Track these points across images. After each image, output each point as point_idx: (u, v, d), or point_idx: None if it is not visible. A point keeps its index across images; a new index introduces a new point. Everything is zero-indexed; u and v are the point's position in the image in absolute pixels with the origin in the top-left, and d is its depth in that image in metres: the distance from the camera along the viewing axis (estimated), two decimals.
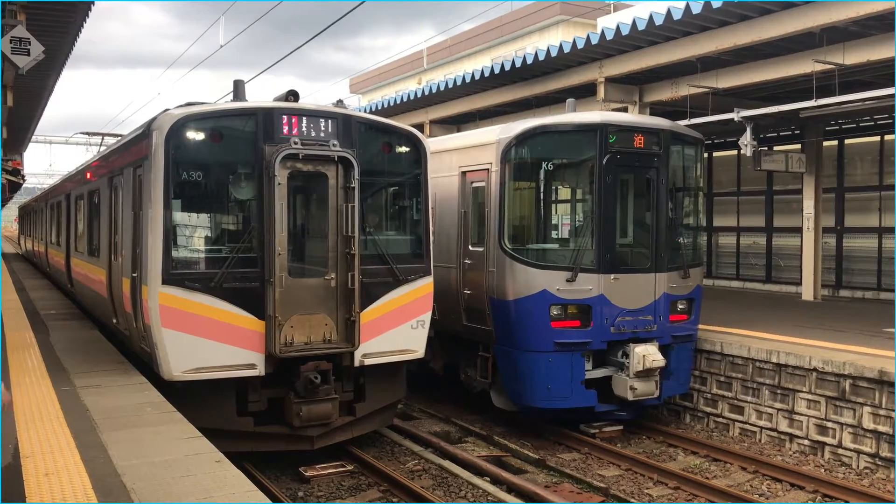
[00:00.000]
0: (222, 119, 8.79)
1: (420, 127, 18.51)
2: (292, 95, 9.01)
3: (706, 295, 12.19)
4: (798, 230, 18.34)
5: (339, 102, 9.84)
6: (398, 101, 20.48)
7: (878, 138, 18.28)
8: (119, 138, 12.70)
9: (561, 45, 14.35)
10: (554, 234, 12.98)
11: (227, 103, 9.50)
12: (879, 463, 9.31)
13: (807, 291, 17.64)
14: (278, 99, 9.17)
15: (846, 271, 19.01)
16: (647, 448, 10.59)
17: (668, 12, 12.20)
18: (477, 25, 43.83)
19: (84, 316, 14.13)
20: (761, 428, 10.78)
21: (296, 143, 8.68)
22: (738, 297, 18.53)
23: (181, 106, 8.94)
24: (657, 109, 15.75)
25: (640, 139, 10.75)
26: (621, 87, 15.12)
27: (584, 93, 15.19)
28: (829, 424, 9.88)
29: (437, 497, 8.21)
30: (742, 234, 21.76)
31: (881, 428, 9.28)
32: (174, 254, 8.39)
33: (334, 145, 8.90)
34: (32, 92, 17.40)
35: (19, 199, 49.71)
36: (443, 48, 46.40)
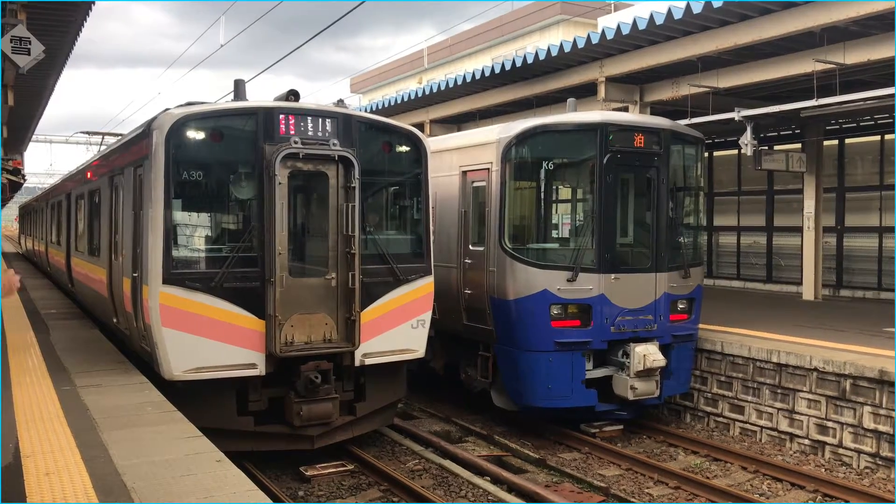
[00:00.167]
0: (223, 118, 8.78)
1: (420, 126, 18.50)
2: (293, 95, 9.01)
3: (707, 295, 12.18)
4: (798, 230, 18.34)
5: (340, 102, 9.83)
6: (399, 101, 20.47)
7: (878, 138, 18.27)
8: (119, 138, 12.69)
9: (561, 44, 14.34)
10: (554, 234, 12.98)
11: (227, 103, 9.50)
12: (880, 462, 9.31)
13: (807, 291, 17.64)
14: (279, 98, 9.16)
15: (847, 271, 19.01)
16: (648, 448, 10.59)
17: (669, 12, 12.19)
18: (477, 25, 43.84)
19: (84, 315, 14.13)
20: (762, 427, 10.78)
21: (296, 143, 8.67)
22: (738, 297, 18.52)
23: (181, 105, 8.94)
24: (658, 109, 15.74)
25: (640, 139, 10.75)
26: (622, 87, 15.11)
27: (585, 92, 15.17)
28: (830, 424, 9.88)
29: (437, 497, 8.21)
30: (742, 233, 21.76)
31: (882, 427, 9.28)
32: (175, 253, 8.39)
33: (335, 145, 8.90)
34: (33, 91, 17.41)
35: (20, 198, 49.70)
36: (443, 48, 46.39)
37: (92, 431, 6.45)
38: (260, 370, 8.56)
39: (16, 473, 5.35)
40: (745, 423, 10.99)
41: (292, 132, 8.73)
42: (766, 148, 16.99)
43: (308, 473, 8.87)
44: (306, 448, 9.06)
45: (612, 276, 10.51)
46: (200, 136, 8.62)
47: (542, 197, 11.30)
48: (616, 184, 10.70)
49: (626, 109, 15.14)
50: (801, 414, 10.25)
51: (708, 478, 9.29)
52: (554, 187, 12.59)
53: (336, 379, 9.02)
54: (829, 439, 9.89)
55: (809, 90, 12.64)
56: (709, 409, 11.56)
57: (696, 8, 11.75)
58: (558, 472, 9.44)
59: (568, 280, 10.31)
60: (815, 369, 10.04)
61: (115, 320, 10.78)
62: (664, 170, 10.96)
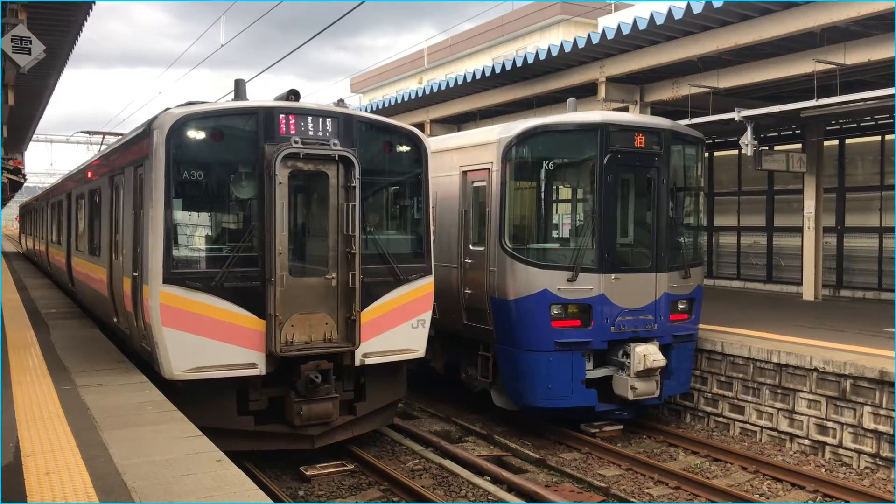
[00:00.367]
0: (223, 118, 8.79)
1: (421, 126, 18.51)
2: (293, 95, 9.02)
3: (707, 295, 12.19)
4: (799, 230, 18.34)
5: (340, 102, 9.83)
6: (399, 101, 20.47)
7: (878, 138, 18.27)
8: (120, 137, 12.70)
9: (562, 44, 14.34)
10: (555, 234, 12.99)
11: (227, 102, 9.50)
12: (880, 463, 9.31)
13: (807, 291, 17.64)
14: (279, 98, 9.17)
15: (847, 271, 19.01)
16: (648, 448, 10.59)
17: (670, 12, 12.19)
18: (477, 25, 43.82)
19: (85, 315, 14.13)
20: (762, 428, 10.78)
21: (297, 143, 8.68)
22: (738, 297, 18.52)
23: (182, 105, 8.94)
24: (658, 109, 15.74)
25: (640, 139, 10.75)
26: (622, 87, 15.11)
27: (585, 92, 15.18)
28: (830, 424, 9.88)
29: (437, 496, 8.21)
30: (743, 233, 21.76)
31: (882, 428, 9.28)
32: (175, 253, 8.39)
33: (335, 144, 8.90)
34: (33, 91, 17.42)
35: (20, 198, 49.73)
36: (443, 48, 46.36)
37: (92, 431, 6.45)
38: (260, 370, 8.56)
39: (16, 473, 5.36)
40: (746, 423, 10.99)
41: (293, 132, 8.73)
42: (767, 148, 17.00)
43: (308, 473, 8.87)
44: (306, 448, 9.06)
45: (613, 276, 10.51)
46: (201, 135, 8.62)
47: (543, 197, 11.30)
48: (616, 184, 10.70)
49: (626, 109, 15.14)
50: (801, 414, 10.25)
51: (708, 478, 9.29)
52: (554, 187, 12.61)
53: (336, 379, 9.03)
54: (829, 439, 9.90)
55: (810, 90, 12.64)
56: (709, 409, 11.56)
57: (697, 8, 11.76)
58: (558, 472, 9.44)
59: (568, 280, 10.31)
60: (816, 369, 10.04)
61: (115, 320, 10.78)
62: (664, 170, 10.96)
